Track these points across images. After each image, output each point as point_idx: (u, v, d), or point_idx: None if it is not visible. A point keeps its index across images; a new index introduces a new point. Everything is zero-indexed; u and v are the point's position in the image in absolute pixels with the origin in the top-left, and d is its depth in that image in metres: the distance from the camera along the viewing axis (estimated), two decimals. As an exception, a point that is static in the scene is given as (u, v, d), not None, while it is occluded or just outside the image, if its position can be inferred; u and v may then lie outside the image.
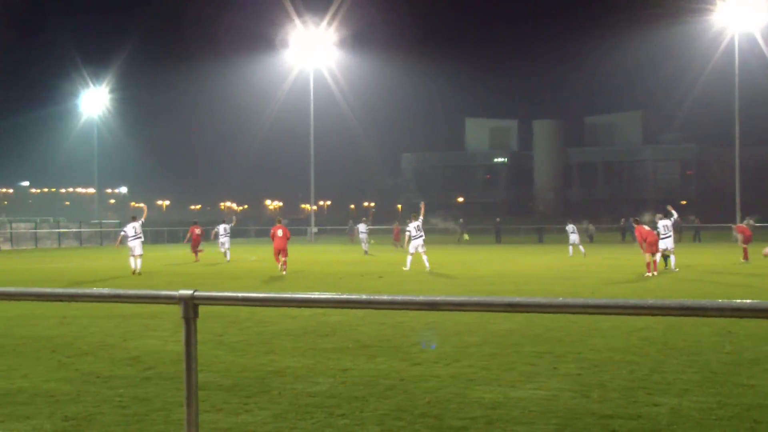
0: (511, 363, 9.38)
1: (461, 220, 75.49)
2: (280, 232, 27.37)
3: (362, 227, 49.35)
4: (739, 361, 9.46)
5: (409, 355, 9.99)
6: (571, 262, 33.43)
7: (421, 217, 29.55)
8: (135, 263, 28.13)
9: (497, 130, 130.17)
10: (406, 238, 29.32)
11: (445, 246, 53.72)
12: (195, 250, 37.43)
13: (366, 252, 45.11)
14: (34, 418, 7.11)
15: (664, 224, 26.66)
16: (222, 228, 39.50)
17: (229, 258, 37.54)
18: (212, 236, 42.72)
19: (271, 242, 28.27)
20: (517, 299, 4.33)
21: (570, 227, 40.50)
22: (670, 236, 26.39)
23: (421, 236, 28.98)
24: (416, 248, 28.75)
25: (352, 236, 53.67)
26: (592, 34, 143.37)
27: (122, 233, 29.85)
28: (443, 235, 71.61)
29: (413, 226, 29.08)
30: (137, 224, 28.79)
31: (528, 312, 4.40)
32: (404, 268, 28.14)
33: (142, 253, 28.47)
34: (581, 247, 39.21)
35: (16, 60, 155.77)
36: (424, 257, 28.52)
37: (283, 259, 27.38)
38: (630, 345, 10.52)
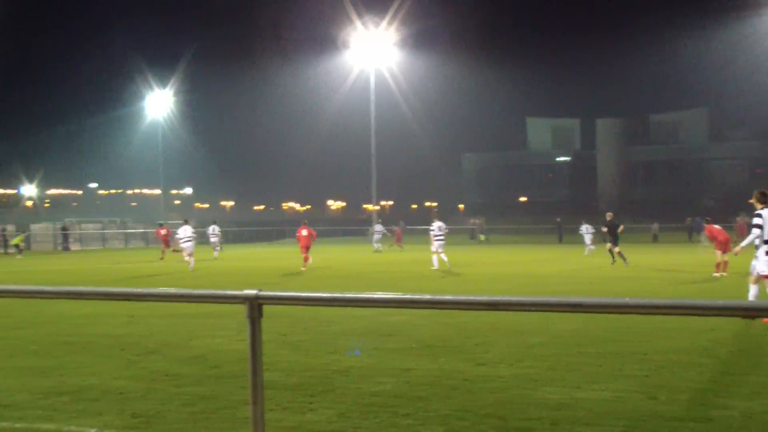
0: (576, 364, 9.28)
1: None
2: (305, 232, 29.78)
3: (378, 227, 50.69)
4: (811, 363, 9.24)
5: (472, 355, 9.94)
6: (595, 261, 32.97)
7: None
8: (190, 262, 30.99)
9: (559, 129, 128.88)
10: (432, 236, 30.01)
11: (505, 245, 53.47)
12: (171, 249, 39.24)
13: (377, 250, 47.27)
14: (104, 415, 7.24)
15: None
16: (212, 228, 42.86)
17: (216, 255, 41.37)
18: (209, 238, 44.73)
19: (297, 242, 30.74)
20: (580, 299, 4.28)
21: (584, 227, 41.55)
22: None
23: (441, 236, 29.80)
24: (438, 248, 29.47)
25: (395, 238, 54.93)
26: (657, 30, 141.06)
27: (176, 235, 33.18)
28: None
29: (436, 226, 29.98)
30: (189, 227, 32.02)
31: (592, 312, 4.34)
32: (432, 266, 28.98)
33: (193, 252, 31.57)
34: (592, 247, 40.91)
35: (83, 65, 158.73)
36: (443, 256, 29.44)
37: (304, 255, 29.70)
38: (698, 346, 10.33)
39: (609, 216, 32.00)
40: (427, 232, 31.57)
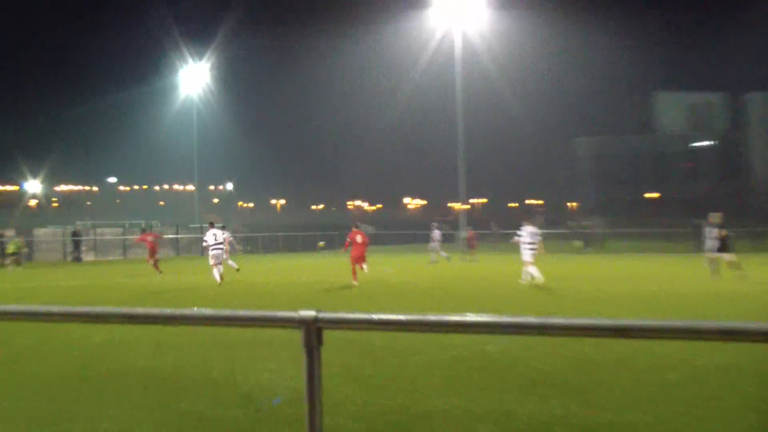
0: (727, 408, 9.06)
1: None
2: (359, 238, 30.49)
3: (437, 234, 49.77)
4: None
5: (591, 396, 9.78)
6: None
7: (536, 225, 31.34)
8: (218, 273, 31.35)
9: (699, 106, 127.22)
10: (518, 243, 29.99)
11: (627, 254, 52.82)
12: (153, 261, 38.56)
13: (432, 261, 48.20)
14: (123, 469, 7.28)
15: None
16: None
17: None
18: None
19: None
20: (732, 324, 4.10)
21: (708, 230, 40.53)
22: None
23: (533, 244, 30.16)
24: (529, 258, 29.70)
25: (468, 244, 54.41)
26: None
27: (204, 242, 33.39)
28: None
29: (526, 232, 30.41)
30: (218, 231, 32.49)
31: (747, 341, 4.12)
32: (538, 281, 29.01)
33: (221, 261, 32.09)
34: (718, 255, 38.02)
35: (98, 34, 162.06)
36: (531, 269, 29.63)
37: (363, 264, 30.55)
38: None
39: (714, 218, 32.47)
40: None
